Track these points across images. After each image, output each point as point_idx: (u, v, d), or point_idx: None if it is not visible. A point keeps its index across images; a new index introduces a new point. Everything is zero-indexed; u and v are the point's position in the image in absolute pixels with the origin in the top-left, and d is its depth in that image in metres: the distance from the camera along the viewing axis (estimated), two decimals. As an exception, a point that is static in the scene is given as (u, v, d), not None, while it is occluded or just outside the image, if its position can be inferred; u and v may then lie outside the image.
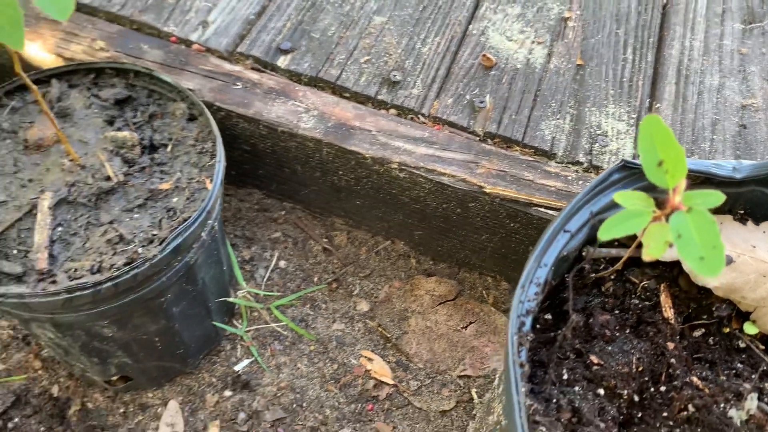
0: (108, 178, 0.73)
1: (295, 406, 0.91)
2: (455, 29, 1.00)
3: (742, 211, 0.65)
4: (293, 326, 0.96)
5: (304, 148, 0.89)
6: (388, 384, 0.93)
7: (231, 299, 0.92)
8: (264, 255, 1.02)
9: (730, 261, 0.60)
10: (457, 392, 0.93)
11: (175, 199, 0.73)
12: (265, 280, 1.00)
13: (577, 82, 0.96)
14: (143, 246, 0.69)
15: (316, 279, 1.02)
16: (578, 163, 0.88)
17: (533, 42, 1.00)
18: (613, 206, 0.61)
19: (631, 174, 0.61)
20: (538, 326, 0.61)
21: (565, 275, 0.61)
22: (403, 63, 0.95)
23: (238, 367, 0.93)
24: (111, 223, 0.71)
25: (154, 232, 0.70)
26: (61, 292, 0.64)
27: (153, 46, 0.92)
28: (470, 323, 0.98)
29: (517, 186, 0.84)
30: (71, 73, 0.82)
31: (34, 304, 0.64)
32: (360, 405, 0.91)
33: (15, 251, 0.69)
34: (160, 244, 0.68)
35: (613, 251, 0.63)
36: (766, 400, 0.56)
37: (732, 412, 0.53)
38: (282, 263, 1.02)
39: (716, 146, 0.90)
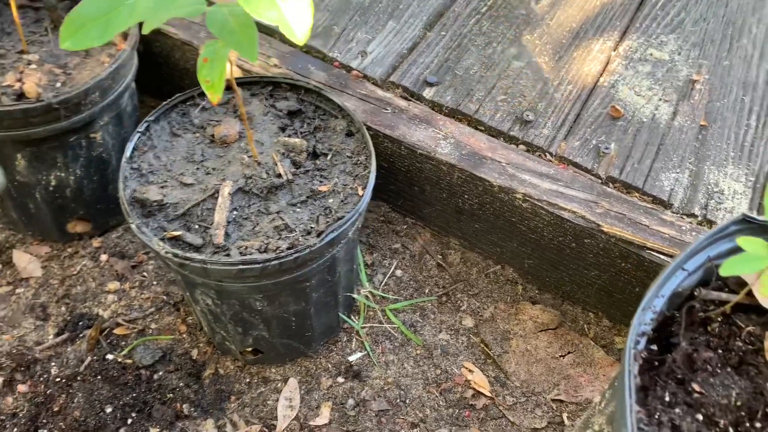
0: (279, 176, 0.86)
1: (398, 401, 1.00)
2: (587, 80, 1.09)
3: None
4: (404, 329, 1.06)
5: (438, 170, 1.00)
6: (485, 396, 1.00)
7: (355, 296, 1.03)
8: (383, 262, 1.13)
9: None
10: (549, 414, 0.99)
11: (331, 200, 0.85)
12: (382, 284, 1.11)
13: (699, 141, 1.02)
14: (303, 235, 0.81)
15: (427, 290, 1.11)
16: (693, 215, 0.93)
17: (660, 99, 1.07)
18: (728, 254, 0.67)
19: (748, 228, 0.67)
20: (644, 354, 0.68)
21: (676, 311, 0.68)
22: (536, 105, 1.04)
23: (351, 358, 1.03)
24: (278, 213, 0.83)
25: (313, 225, 0.82)
26: (237, 263, 0.76)
27: (318, 68, 1.06)
28: (568, 353, 1.05)
29: (633, 229, 0.91)
30: (252, 84, 0.97)
31: (212, 271, 0.77)
32: (458, 410, 0.99)
33: (197, 226, 0.83)
34: (318, 235, 0.80)
35: (723, 295, 0.69)
36: None
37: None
38: (398, 272, 1.13)
39: (833, 217, 0.94)
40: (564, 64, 1.11)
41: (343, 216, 0.82)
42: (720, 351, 0.68)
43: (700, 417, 0.63)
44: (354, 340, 1.05)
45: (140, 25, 0.98)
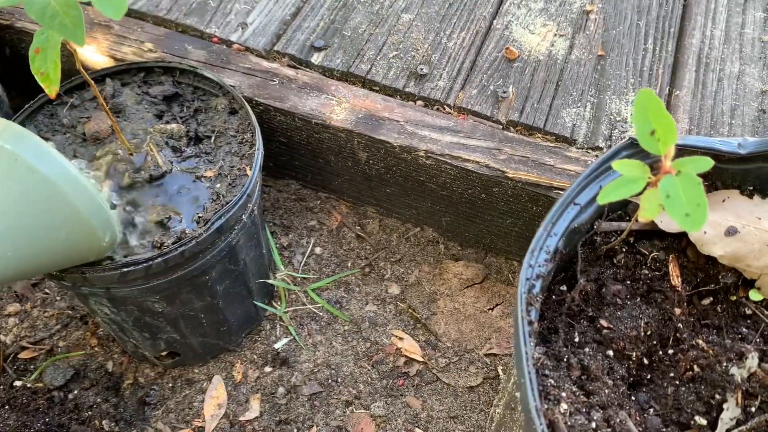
0: (158, 166, 0.80)
1: (330, 381, 0.96)
2: (480, 24, 1.05)
3: (751, 187, 0.68)
4: (328, 307, 1.02)
5: (337, 138, 0.95)
6: (417, 361, 0.98)
7: (270, 281, 0.98)
8: (301, 242, 1.09)
9: (735, 231, 0.63)
10: (483, 369, 0.97)
11: (218, 185, 0.80)
12: (302, 265, 1.06)
13: (598, 72, 0.99)
14: (190, 227, 0.76)
15: (349, 264, 1.07)
16: (598, 148, 0.91)
17: (555, 35, 1.04)
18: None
19: (639, 151, 0.65)
20: (553, 297, 0.66)
21: (578, 248, 0.66)
22: (430, 57, 1.00)
23: (277, 345, 0.99)
24: (162, 206, 0.78)
25: (200, 214, 0.77)
26: (117, 267, 0.71)
27: (197, 46, 1.00)
28: (496, 305, 1.03)
29: (538, 171, 0.89)
30: (123, 73, 0.90)
31: (93, 278, 0.71)
32: (391, 381, 0.96)
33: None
34: (206, 224, 0.75)
35: (623, 224, 0.67)
36: (766, 361, 0.59)
37: (734, 370, 0.57)
38: (318, 249, 1.08)
39: (735, 131, 0.93)
40: (455, 11, 1.07)
41: (230, 200, 0.77)
42: (628, 281, 0.66)
43: (610, 353, 0.61)
44: (278, 326, 1.01)
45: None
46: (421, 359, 0.98)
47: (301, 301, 1.03)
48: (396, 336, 1.00)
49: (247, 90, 0.95)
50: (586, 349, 0.61)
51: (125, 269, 0.71)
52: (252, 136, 0.83)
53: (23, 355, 0.97)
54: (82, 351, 0.98)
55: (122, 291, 0.75)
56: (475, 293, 1.04)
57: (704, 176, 0.61)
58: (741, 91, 0.98)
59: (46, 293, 1.03)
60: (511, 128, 0.94)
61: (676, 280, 0.64)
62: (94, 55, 0.99)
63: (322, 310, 1.02)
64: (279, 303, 1.02)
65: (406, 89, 0.97)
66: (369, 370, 0.97)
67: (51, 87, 0.61)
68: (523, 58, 1.00)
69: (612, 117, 0.94)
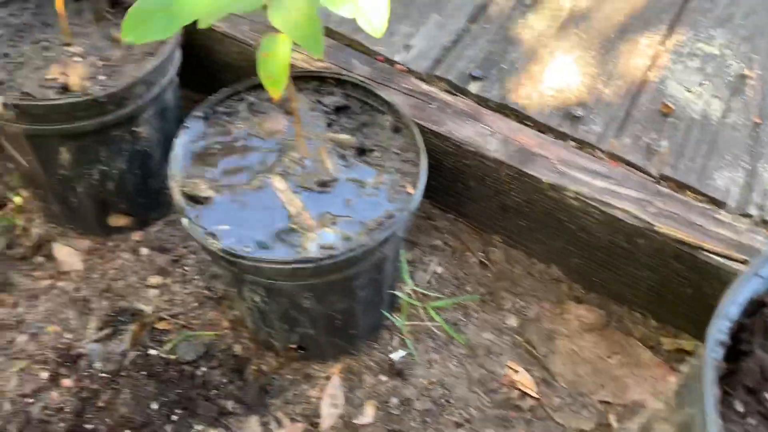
0: (327, 172, 0.85)
1: (443, 400, 0.98)
2: (636, 75, 1.06)
3: None
4: (447, 328, 1.04)
5: (485, 167, 0.98)
6: (531, 396, 0.99)
7: (399, 293, 1.02)
8: (423, 259, 1.12)
9: None
10: (596, 415, 0.97)
11: (380, 198, 0.84)
12: (424, 282, 1.09)
13: (753, 139, 0.99)
14: (355, 234, 0.79)
15: (469, 288, 1.10)
16: (749, 215, 0.91)
17: (711, 95, 1.04)
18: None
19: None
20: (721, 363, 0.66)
21: (749, 319, 0.66)
22: (586, 100, 1.02)
23: (394, 356, 1.02)
24: (327, 210, 0.82)
25: (364, 223, 0.80)
26: (290, 262, 0.75)
27: (362, 62, 1.05)
28: (615, 353, 1.03)
29: (688, 229, 0.89)
30: (297, 78, 0.95)
31: (265, 269, 0.76)
32: (503, 411, 0.98)
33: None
34: (370, 234, 0.79)
35: (797, 301, 0.67)
36: None
37: None
38: (439, 269, 1.11)
39: None
40: (611, 58, 1.08)
41: (394, 214, 0.81)
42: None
43: (774, 427, 0.61)
44: (396, 338, 1.04)
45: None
46: (535, 395, 0.99)
47: (420, 317, 1.06)
48: (511, 368, 1.01)
49: (407, 110, 0.99)
50: (750, 420, 0.61)
51: (297, 266, 0.75)
52: (415, 155, 0.87)
53: (160, 325, 1.03)
54: (214, 331, 1.03)
55: (283, 284, 0.80)
56: (595, 338, 1.04)
57: None
58: None
59: (185, 270, 1.09)
60: (663, 182, 0.94)
61: None
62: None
63: (440, 329, 1.05)
64: (400, 315, 1.05)
65: (560, 128, 0.99)
66: (482, 396, 0.99)
67: (277, 90, 0.65)
68: (677, 114, 1.01)
69: (766, 187, 0.94)
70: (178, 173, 0.83)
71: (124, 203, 1.07)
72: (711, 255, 0.88)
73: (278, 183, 0.83)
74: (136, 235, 1.12)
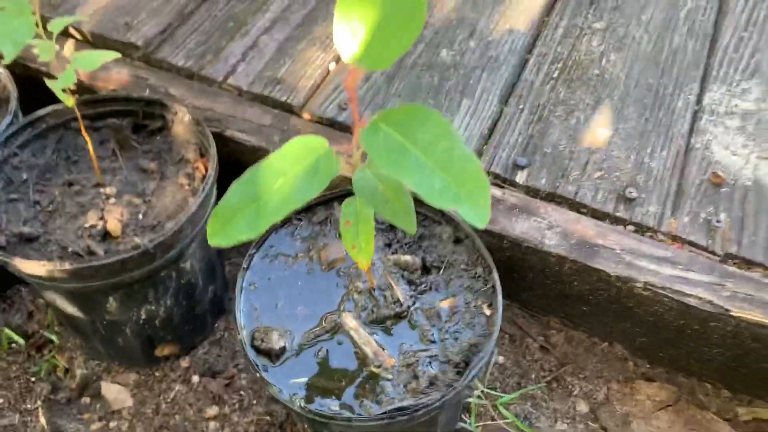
0: (397, 302, 0.82)
1: (529, 505, 0.96)
2: (679, 142, 1.04)
3: None
4: (520, 424, 1.01)
5: (545, 261, 0.95)
6: (618, 489, 0.96)
7: (470, 399, 0.98)
8: (482, 349, 1.08)
9: None
10: (686, 502, 0.95)
11: (457, 325, 0.81)
12: (486, 374, 1.06)
13: (809, 200, 0.98)
14: (437, 368, 0.76)
15: (533, 376, 1.07)
16: (822, 287, 0.89)
17: (758, 157, 1.03)
18: None
19: None
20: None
21: None
22: (635, 178, 1.00)
23: (471, 461, 0.99)
24: (407, 346, 0.79)
25: (450, 357, 0.77)
26: (384, 417, 0.72)
27: (403, 162, 1.01)
28: (692, 430, 1.01)
29: (763, 310, 0.87)
30: (344, 196, 0.92)
31: (358, 426, 0.72)
32: None
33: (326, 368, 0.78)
34: (457, 371, 0.76)
35: None
36: None
37: None
38: (500, 359, 1.08)
39: None
40: (651, 126, 1.06)
41: (477, 343, 0.78)
42: None
43: None
44: (469, 441, 1.01)
45: (218, 140, 0.93)
46: (622, 487, 0.96)
47: (490, 415, 1.03)
48: (592, 459, 0.99)
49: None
50: None
51: (388, 420, 0.72)
52: (485, 270, 0.84)
53: (226, 461, 0.99)
54: (283, 459, 0.99)
55: (360, 429, 0.76)
56: (669, 416, 1.02)
57: None
58: None
59: (241, 395, 1.05)
60: (730, 261, 0.93)
61: None
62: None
63: (512, 425, 1.02)
64: (469, 417, 1.02)
65: (617, 213, 0.97)
66: (567, 495, 0.96)
67: (365, 261, 0.62)
68: (729, 183, 0.99)
69: (833, 253, 0.92)
70: (246, 327, 0.79)
71: (171, 334, 1.02)
72: (792, 335, 0.86)
73: (349, 321, 0.80)
74: (184, 362, 1.08)
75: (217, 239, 0.56)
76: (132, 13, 1.20)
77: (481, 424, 1.02)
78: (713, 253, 0.93)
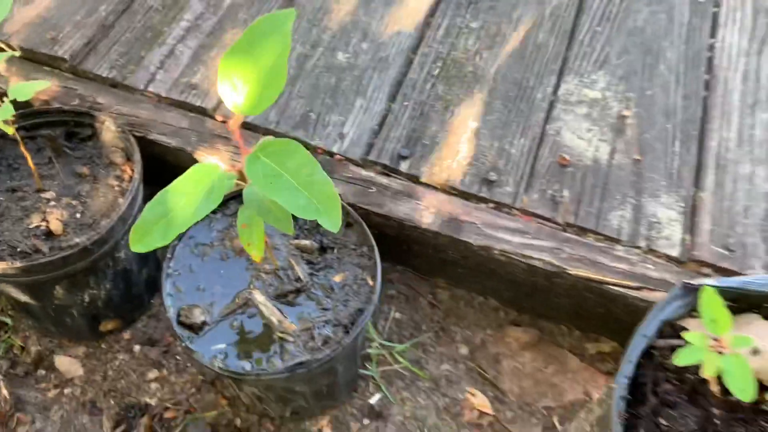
0: (298, 279, 1.01)
1: (418, 431, 1.19)
2: (535, 130, 1.25)
3: None
4: (412, 368, 1.24)
5: (424, 236, 1.16)
6: (489, 414, 1.20)
7: (370, 350, 1.20)
8: (383, 308, 1.30)
9: (757, 351, 0.85)
10: (542, 420, 1.20)
11: (346, 293, 1.01)
12: (385, 329, 1.28)
13: (636, 175, 1.21)
14: (331, 330, 0.97)
15: (424, 327, 1.29)
16: (639, 247, 1.13)
17: (599, 140, 1.25)
18: (675, 311, 0.87)
19: (688, 297, 0.87)
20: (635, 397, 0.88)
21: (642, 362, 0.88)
22: (497, 163, 1.21)
23: (372, 401, 1.21)
24: (305, 313, 0.99)
25: (341, 321, 0.97)
26: (284, 371, 0.92)
27: (304, 157, 1.19)
28: (550, 364, 1.25)
29: (593, 268, 1.10)
30: (253, 189, 1.09)
31: (265, 379, 0.92)
32: (468, 431, 1.19)
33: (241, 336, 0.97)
34: (345, 331, 0.96)
35: (674, 341, 0.89)
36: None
37: (759, 460, 0.80)
38: (397, 315, 1.30)
39: (748, 230, 1.15)
40: (513, 117, 1.27)
41: (363, 308, 0.98)
42: (677, 382, 0.88)
43: (668, 443, 0.83)
44: (371, 384, 1.23)
45: (141, 147, 1.09)
46: (492, 412, 1.20)
47: (388, 362, 1.25)
48: (470, 392, 1.22)
49: (351, 197, 1.15)
50: (651, 440, 0.83)
51: (290, 373, 0.92)
52: (369, 250, 1.04)
53: (167, 414, 1.18)
54: (215, 410, 1.19)
55: (280, 382, 0.96)
56: (532, 354, 1.26)
57: (735, 300, 0.84)
58: (752, 192, 1.19)
59: (177, 359, 1.24)
60: (569, 229, 1.15)
61: (714, 386, 0.86)
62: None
63: (406, 369, 1.24)
64: (371, 365, 1.24)
65: (480, 194, 1.17)
66: (449, 421, 1.20)
67: (257, 254, 0.81)
68: (574, 164, 1.21)
69: (649, 218, 1.16)
70: (172, 307, 0.98)
71: (112, 312, 1.20)
72: (613, 287, 1.09)
73: (258, 297, 0.99)
74: (126, 335, 1.25)
75: (138, 247, 0.73)
76: (57, 27, 1.32)
77: (381, 369, 1.24)
78: (556, 223, 1.16)
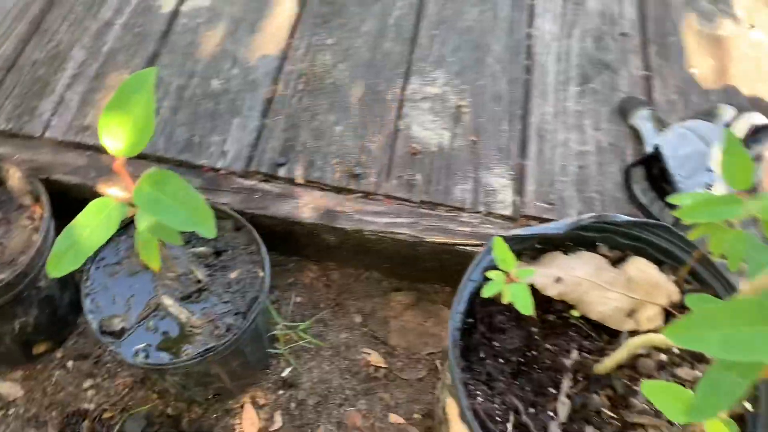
0: (199, 281, 1.21)
1: (326, 392, 1.41)
2: (390, 127, 1.49)
3: (570, 245, 1.17)
4: (314, 341, 1.45)
5: (305, 229, 1.38)
6: (383, 368, 1.44)
7: (275, 332, 1.41)
8: (284, 295, 1.51)
9: (560, 279, 1.12)
10: (427, 365, 1.45)
11: (241, 286, 1.21)
12: (289, 312, 1.49)
13: (473, 154, 1.46)
14: (232, 318, 1.17)
15: (322, 305, 1.51)
16: (479, 212, 1.39)
17: (442, 129, 1.49)
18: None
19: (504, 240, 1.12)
20: (469, 328, 1.12)
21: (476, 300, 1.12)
22: (361, 159, 1.44)
23: (283, 374, 1.42)
24: (210, 308, 1.18)
25: (240, 310, 1.18)
26: (197, 357, 1.12)
27: (193, 176, 1.38)
28: (429, 318, 1.50)
29: (445, 234, 1.35)
30: (152, 210, 1.28)
31: (180, 365, 1.12)
32: (367, 384, 1.42)
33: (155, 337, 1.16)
34: (244, 317, 1.17)
35: (500, 282, 1.14)
36: (583, 353, 1.08)
37: (566, 361, 1.06)
38: (298, 299, 1.51)
39: (565, 185, 1.42)
40: (372, 118, 1.50)
41: (257, 296, 1.19)
42: (506, 313, 1.14)
43: (501, 360, 1.09)
44: (281, 360, 1.44)
45: (47, 187, 1.25)
46: (385, 366, 1.44)
47: (294, 339, 1.46)
48: (365, 353, 1.45)
49: (238, 204, 1.35)
50: (488, 361, 1.08)
51: (202, 358, 1.12)
52: (257, 247, 1.25)
53: (106, 415, 1.35)
54: (148, 405, 1.37)
55: (196, 368, 1.16)
56: (414, 312, 1.50)
57: (544, 242, 1.11)
58: (567, 154, 1.47)
59: (108, 367, 1.41)
60: (423, 206, 1.39)
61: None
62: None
63: (310, 343, 1.46)
64: (280, 344, 1.45)
65: (349, 187, 1.40)
66: (351, 379, 1.43)
67: (155, 266, 1.00)
68: (423, 151, 1.46)
69: (486, 188, 1.41)
70: (94, 320, 1.15)
71: (43, 335, 1.35)
72: (463, 247, 1.35)
73: (167, 300, 1.18)
74: (59, 353, 1.41)
75: (54, 273, 0.91)
76: (-51, 89, 1.45)
77: (288, 347, 1.45)
78: (413, 202, 1.40)
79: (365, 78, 1.56)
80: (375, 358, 1.45)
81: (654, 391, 0.79)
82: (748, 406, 1.02)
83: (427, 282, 1.52)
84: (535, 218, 1.38)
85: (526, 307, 0.91)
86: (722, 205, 0.87)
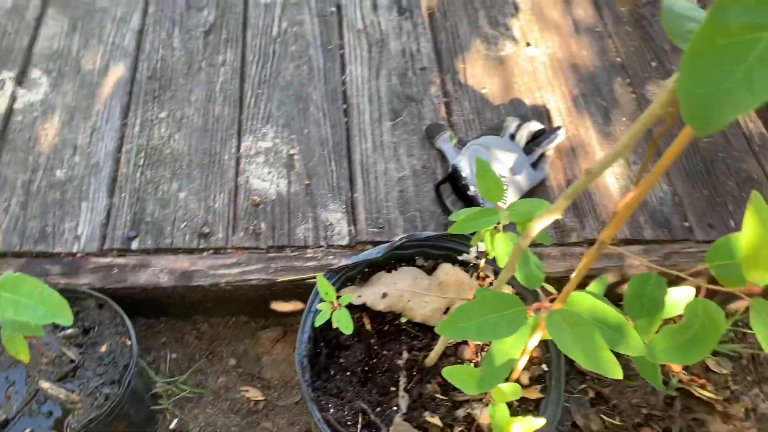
0: (72, 360, 1.32)
1: (213, 433, 1.55)
2: (230, 185, 1.66)
3: (393, 263, 1.40)
4: (195, 390, 1.59)
5: (166, 292, 1.52)
6: (262, 400, 1.60)
7: (155, 390, 1.53)
8: (160, 354, 1.63)
9: (386, 294, 1.33)
10: (300, 390, 1.62)
11: (113, 356, 1.33)
12: (167, 370, 1.62)
13: (309, 196, 1.66)
14: (109, 388, 1.29)
15: (197, 356, 1.65)
16: (321, 246, 1.59)
17: (278, 178, 1.68)
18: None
19: (335, 273, 1.32)
20: (318, 352, 1.31)
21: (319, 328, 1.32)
22: (207, 219, 1.59)
23: (171, 426, 1.55)
24: (85, 383, 1.30)
25: (114, 378, 1.30)
26: (81, 429, 1.23)
27: (52, 263, 1.48)
28: (294, 349, 1.67)
29: (294, 272, 1.54)
30: (15, 304, 1.37)
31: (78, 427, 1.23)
32: (249, 418, 1.58)
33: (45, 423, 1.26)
34: (119, 385, 1.29)
35: (339, 307, 1.35)
36: (414, 351, 1.31)
37: (399, 361, 1.28)
38: (173, 355, 1.64)
39: (390, 209, 1.65)
40: (213, 179, 1.66)
41: (127, 363, 1.32)
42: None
43: (348, 373, 1.29)
44: (167, 414, 1.57)
45: None
46: (263, 398, 1.60)
47: (175, 393, 1.59)
48: (244, 390, 1.61)
49: (99, 282, 1.47)
50: (337, 376, 1.28)
51: (86, 429, 1.23)
52: (121, 319, 1.37)
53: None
54: (45, 484, 1.45)
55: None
56: (282, 345, 1.68)
57: (370, 266, 1.32)
58: (388, 181, 1.70)
59: None
60: (271, 251, 1.57)
61: (368, 324, 1.33)
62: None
63: (192, 393, 1.60)
64: (163, 399, 1.57)
65: (200, 246, 1.55)
66: (234, 417, 1.58)
67: (25, 358, 1.11)
68: (264, 201, 1.64)
69: (324, 224, 1.62)
70: (-24, 417, 1.24)
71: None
72: (311, 280, 1.54)
73: (44, 384, 1.28)
74: (-55, 457, 1.46)
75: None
76: None
77: (171, 401, 1.58)
78: (260, 249, 1.57)
79: (201, 143, 1.72)
80: (253, 393, 1.61)
81: (452, 373, 1.01)
82: (545, 367, 1.28)
83: (288, 315, 1.70)
84: (369, 242, 1.60)
85: (347, 328, 1.11)
86: (483, 217, 1.11)
